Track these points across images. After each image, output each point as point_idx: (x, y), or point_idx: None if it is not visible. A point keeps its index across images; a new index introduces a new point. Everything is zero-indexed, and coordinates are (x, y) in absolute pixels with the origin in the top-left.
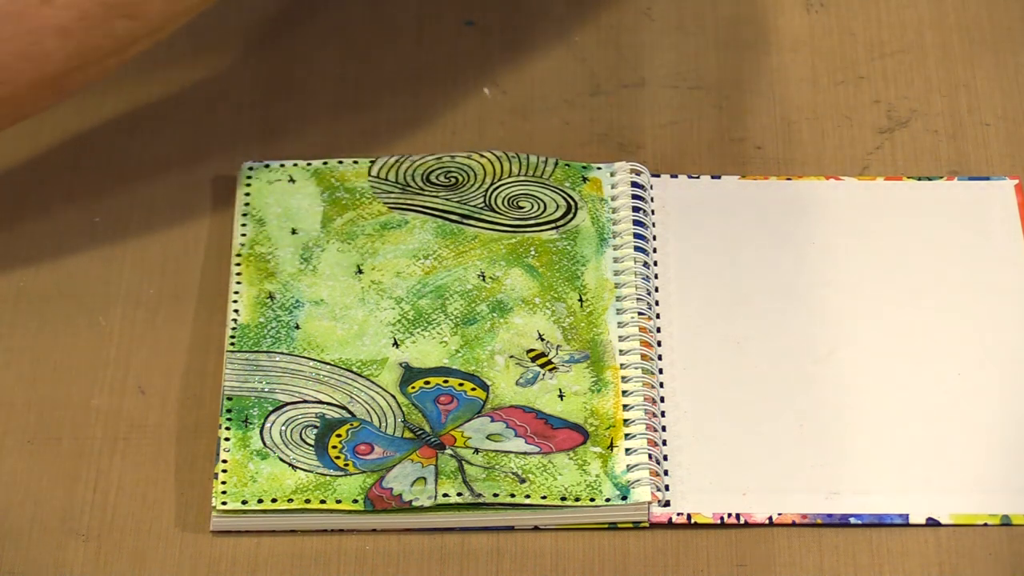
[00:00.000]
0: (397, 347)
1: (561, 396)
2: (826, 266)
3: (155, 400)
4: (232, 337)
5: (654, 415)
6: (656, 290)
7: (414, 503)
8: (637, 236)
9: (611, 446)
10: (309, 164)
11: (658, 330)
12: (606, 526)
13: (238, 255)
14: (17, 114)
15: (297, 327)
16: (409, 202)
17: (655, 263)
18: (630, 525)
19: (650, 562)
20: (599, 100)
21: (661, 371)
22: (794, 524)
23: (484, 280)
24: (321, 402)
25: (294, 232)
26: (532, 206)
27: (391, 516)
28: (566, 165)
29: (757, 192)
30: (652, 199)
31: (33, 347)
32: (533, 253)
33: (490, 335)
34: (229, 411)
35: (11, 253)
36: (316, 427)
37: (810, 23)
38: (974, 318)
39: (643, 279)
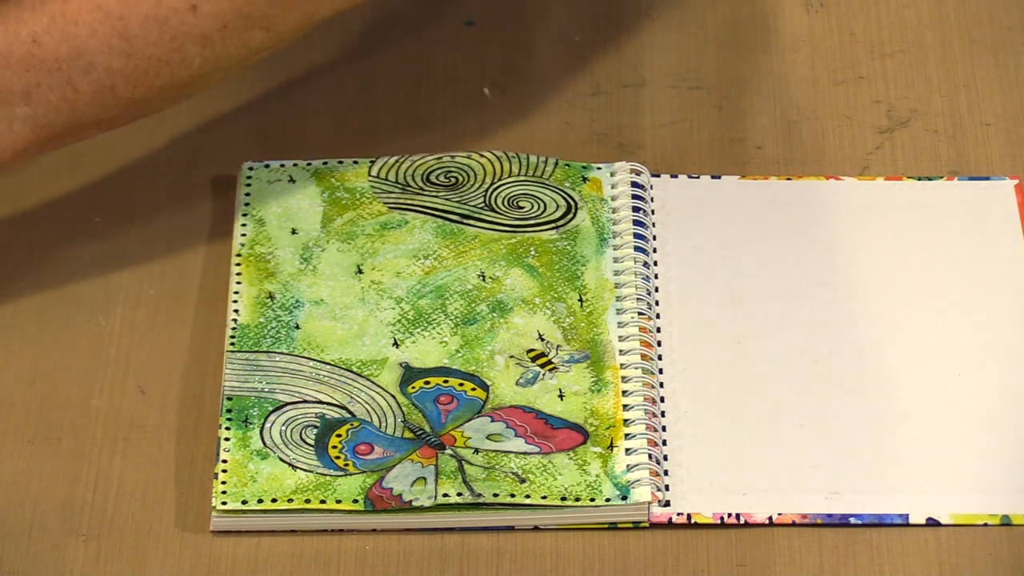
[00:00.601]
0: (397, 347)
1: (561, 396)
2: (826, 266)
3: (155, 400)
4: (232, 337)
5: (654, 415)
6: (656, 290)
7: (414, 503)
8: (637, 236)
9: (611, 446)
10: (309, 164)
11: (658, 330)
12: (606, 526)
13: (238, 255)
14: (141, 113)
15: (297, 327)
16: (409, 202)
17: (655, 263)
18: (630, 525)
19: (650, 562)
20: (599, 100)
21: (661, 371)
22: (794, 524)
23: (484, 280)
24: (321, 402)
25: (294, 232)
26: (532, 206)
27: (391, 516)
28: (566, 165)
29: (757, 192)
30: (652, 199)
31: (33, 347)
32: (533, 253)
33: (490, 335)
34: (229, 411)
35: (11, 253)
36: (316, 427)
37: (810, 23)
38: (974, 318)
39: (643, 279)
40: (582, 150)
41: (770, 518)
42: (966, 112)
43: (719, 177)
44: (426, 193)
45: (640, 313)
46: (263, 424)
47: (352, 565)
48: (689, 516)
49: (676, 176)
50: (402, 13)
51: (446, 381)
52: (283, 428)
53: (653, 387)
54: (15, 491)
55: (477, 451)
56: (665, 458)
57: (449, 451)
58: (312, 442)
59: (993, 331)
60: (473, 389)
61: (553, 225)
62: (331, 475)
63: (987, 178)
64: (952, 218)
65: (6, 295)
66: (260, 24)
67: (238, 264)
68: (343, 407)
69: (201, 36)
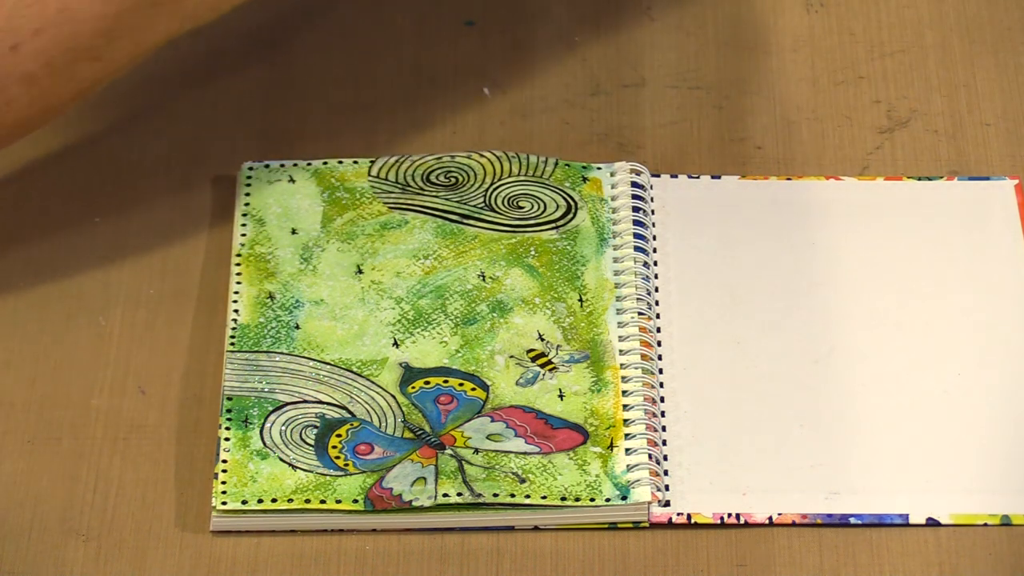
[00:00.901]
0: (397, 347)
1: (561, 396)
2: (826, 266)
3: (155, 400)
4: (232, 337)
5: (654, 415)
6: (656, 290)
7: (414, 503)
8: (637, 236)
9: (611, 446)
10: (309, 164)
11: (658, 330)
12: (606, 526)
13: (238, 255)
14: None
15: (297, 327)
16: (409, 202)
17: (655, 263)
18: (630, 525)
19: (650, 562)
20: (599, 100)
21: (661, 371)
22: (794, 524)
23: (484, 280)
24: (321, 402)
25: (294, 232)
26: (532, 206)
27: (391, 516)
28: (566, 165)
29: (757, 192)
30: (652, 199)
31: (33, 347)
32: (533, 253)
33: (490, 335)
34: (229, 411)
35: (11, 253)
36: (316, 427)
37: (810, 23)
38: (974, 318)
39: (643, 279)
40: (582, 150)
41: (770, 518)
42: (966, 112)
43: (719, 177)
44: (426, 193)
45: (640, 313)
46: (263, 424)
47: (352, 565)
48: (689, 516)
49: (676, 176)
50: (402, 13)
51: (446, 381)
52: (283, 428)
53: (653, 387)
54: (15, 491)
55: (477, 451)
56: (665, 458)
57: (449, 451)
58: (312, 442)
59: (993, 331)
60: (473, 389)
61: (553, 225)
62: (331, 475)
63: (987, 178)
64: (952, 218)
65: (6, 295)
66: (87, 56)
67: (238, 264)
68: (343, 407)
69: (25, 76)
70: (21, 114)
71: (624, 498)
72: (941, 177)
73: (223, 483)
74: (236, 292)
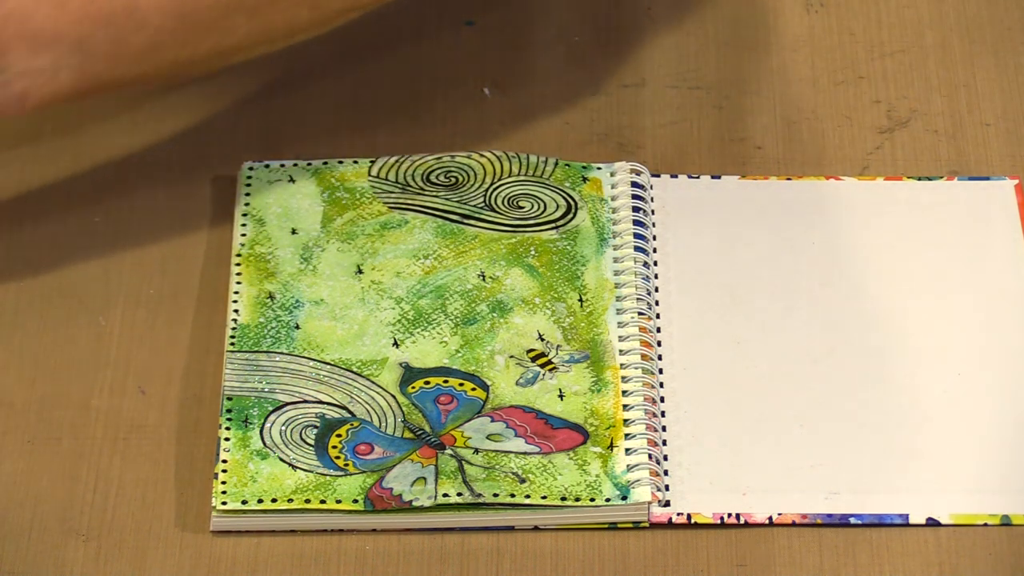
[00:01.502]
0: (397, 347)
1: (561, 396)
2: (826, 266)
3: (155, 400)
4: (232, 337)
5: (654, 415)
6: (656, 290)
7: (414, 503)
8: (637, 236)
9: (611, 446)
10: (309, 164)
11: (658, 330)
12: (606, 526)
13: (238, 255)
14: (181, 76)
15: (297, 327)
16: (409, 202)
17: (655, 263)
18: (630, 525)
19: (650, 562)
20: (599, 100)
21: (661, 371)
22: (794, 524)
23: (484, 280)
24: (321, 402)
25: (294, 232)
26: (532, 206)
27: (391, 516)
28: (566, 165)
29: (757, 192)
30: (652, 199)
31: (33, 347)
32: (533, 253)
33: (490, 335)
34: (229, 411)
35: (11, 253)
36: (316, 427)
37: (810, 23)
38: (974, 318)
39: (643, 279)
40: (582, 150)
41: (770, 518)
42: (966, 112)
43: (719, 177)
44: (426, 193)
45: (640, 313)
46: (263, 424)
47: (352, 565)
48: (689, 516)
49: (676, 176)
50: (402, 13)
51: (446, 381)
52: (283, 428)
53: (653, 387)
54: (15, 491)
55: (477, 451)
56: (665, 458)
57: (449, 451)
58: (312, 442)
59: (993, 331)
60: (473, 389)
61: (553, 225)
62: (331, 475)
63: (987, 178)
64: (952, 218)
65: (6, 295)
66: (308, 3)
67: (238, 264)
68: (343, 407)
69: (252, 7)
70: (237, 42)
71: (624, 498)
72: (941, 177)
73: (223, 483)
74: (236, 292)
